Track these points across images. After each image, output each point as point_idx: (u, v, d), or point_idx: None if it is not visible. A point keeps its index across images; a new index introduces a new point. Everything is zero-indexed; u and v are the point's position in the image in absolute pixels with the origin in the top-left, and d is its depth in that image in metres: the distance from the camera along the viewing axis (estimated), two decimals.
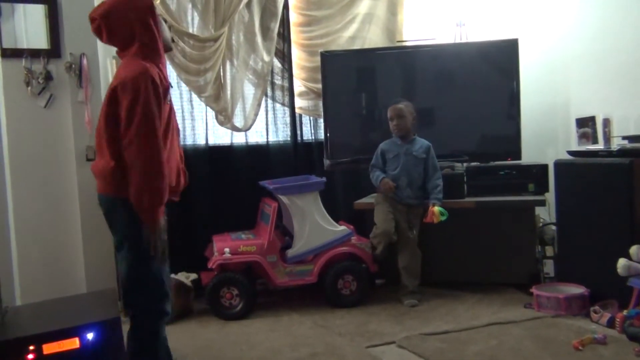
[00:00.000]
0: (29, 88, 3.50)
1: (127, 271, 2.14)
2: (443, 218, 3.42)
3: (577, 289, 3.22)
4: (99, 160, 2.19)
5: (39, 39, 3.54)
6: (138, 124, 1.98)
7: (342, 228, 3.59)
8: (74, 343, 1.96)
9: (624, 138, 3.23)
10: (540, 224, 3.75)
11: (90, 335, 1.98)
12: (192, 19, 3.97)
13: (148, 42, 2.13)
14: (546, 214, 3.80)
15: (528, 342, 2.76)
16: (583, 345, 2.65)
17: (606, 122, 3.44)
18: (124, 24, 2.13)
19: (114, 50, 3.70)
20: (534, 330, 2.92)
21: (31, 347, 1.90)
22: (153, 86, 2.02)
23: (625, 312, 2.81)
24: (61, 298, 2.67)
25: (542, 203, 3.61)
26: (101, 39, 2.23)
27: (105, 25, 2.16)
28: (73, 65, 3.56)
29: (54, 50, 3.55)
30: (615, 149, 3.16)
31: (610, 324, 2.87)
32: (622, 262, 2.82)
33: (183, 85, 3.96)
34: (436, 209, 3.43)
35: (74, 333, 1.97)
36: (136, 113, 1.98)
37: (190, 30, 3.94)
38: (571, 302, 3.14)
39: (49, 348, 1.92)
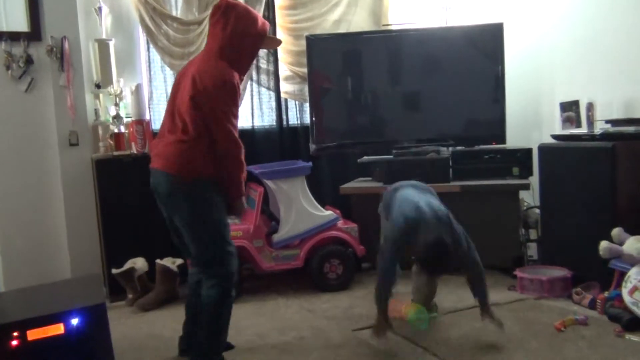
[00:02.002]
0: (9, 72, 3.45)
1: (206, 247, 2.37)
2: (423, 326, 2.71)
3: (559, 272, 3.26)
4: (177, 142, 2.32)
5: (18, 22, 3.48)
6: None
7: (328, 213, 3.60)
8: (58, 329, 1.95)
9: (607, 122, 3.26)
10: (525, 208, 3.78)
11: (75, 321, 1.97)
12: (176, 1, 3.93)
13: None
14: (530, 198, 3.83)
15: (511, 323, 2.79)
16: (565, 327, 2.69)
17: (590, 106, 3.46)
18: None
19: (96, 33, 3.69)
20: (517, 312, 2.96)
21: (15, 333, 1.89)
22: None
23: (606, 294, 2.86)
24: (45, 284, 2.66)
25: (527, 187, 3.64)
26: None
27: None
28: (54, 49, 3.51)
29: (35, 34, 3.50)
30: (598, 133, 3.19)
31: (592, 305, 2.91)
32: (604, 244, 2.86)
33: (167, 69, 3.92)
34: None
35: (59, 319, 1.96)
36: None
37: (174, 13, 3.89)
38: (554, 285, 3.18)
39: (33, 334, 1.91)
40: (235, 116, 2.33)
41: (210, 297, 2.35)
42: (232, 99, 2.29)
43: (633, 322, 2.60)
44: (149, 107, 3.81)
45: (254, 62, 4.13)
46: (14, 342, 1.89)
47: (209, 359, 2.36)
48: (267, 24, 2.46)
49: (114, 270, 3.43)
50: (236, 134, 2.33)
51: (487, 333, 2.68)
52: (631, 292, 2.67)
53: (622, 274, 2.81)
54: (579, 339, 2.56)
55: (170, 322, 3.15)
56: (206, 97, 2.24)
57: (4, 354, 1.86)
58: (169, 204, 2.41)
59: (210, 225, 2.35)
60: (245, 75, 4.06)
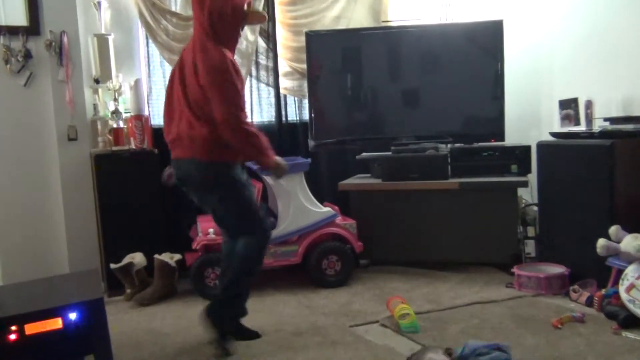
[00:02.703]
0: (8, 66, 3.45)
1: (242, 221, 2.59)
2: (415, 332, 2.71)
3: (557, 269, 3.27)
4: (200, 129, 2.43)
5: (17, 16, 3.48)
6: None
7: (326, 209, 3.60)
8: (56, 323, 1.95)
9: (606, 120, 3.26)
10: (523, 205, 3.79)
11: (73, 316, 1.97)
12: None
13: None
14: (528, 195, 3.84)
15: (509, 320, 2.80)
16: (562, 324, 2.70)
17: (588, 104, 3.47)
18: None
19: (95, 28, 3.69)
20: (514, 309, 2.96)
21: (13, 328, 1.89)
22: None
23: (603, 291, 2.86)
24: (44, 278, 2.66)
25: (525, 184, 3.65)
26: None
27: None
28: (53, 43, 3.50)
29: (33, 28, 3.49)
30: (597, 131, 3.19)
31: (589, 302, 2.92)
32: (601, 242, 2.86)
33: (166, 64, 3.91)
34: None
35: (57, 313, 1.96)
36: None
37: (173, 9, 3.89)
38: (551, 282, 3.19)
39: (31, 328, 1.91)
40: (239, 95, 2.40)
41: (246, 248, 2.57)
42: (229, 80, 2.36)
43: (630, 320, 2.61)
44: (147, 103, 3.81)
45: (254, 58, 4.14)
46: (12, 336, 1.89)
47: (221, 322, 2.53)
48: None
49: (112, 265, 3.44)
50: (242, 113, 2.41)
51: (485, 330, 2.69)
52: (628, 289, 2.67)
53: (619, 272, 2.81)
54: (576, 336, 2.57)
55: (168, 317, 3.15)
56: (207, 86, 2.35)
57: (3, 347, 1.87)
58: (200, 191, 2.59)
59: (242, 202, 2.55)
60: (245, 71, 4.09)
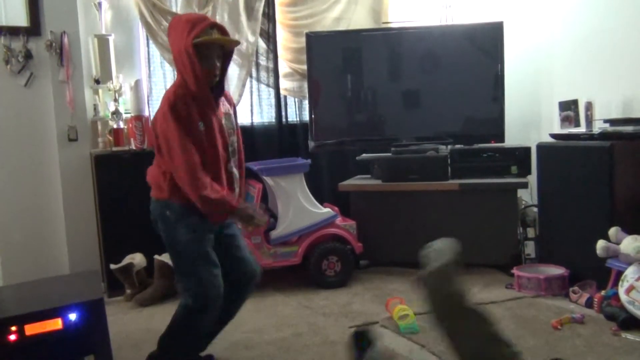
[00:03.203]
0: (8, 66, 3.45)
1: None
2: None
3: (557, 270, 3.27)
4: (154, 165, 2.34)
5: (18, 16, 3.48)
6: None
7: (326, 210, 3.60)
8: (56, 323, 1.95)
9: (606, 121, 3.26)
10: (522, 206, 3.79)
11: (73, 316, 1.97)
12: None
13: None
14: (528, 196, 3.84)
15: (508, 321, 2.80)
16: (562, 325, 2.70)
17: (588, 106, 3.47)
18: None
19: (95, 29, 3.69)
20: (514, 310, 2.97)
21: (13, 328, 1.89)
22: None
23: (603, 293, 2.87)
24: (44, 279, 2.66)
25: (525, 185, 3.65)
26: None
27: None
28: (54, 44, 3.51)
29: (34, 28, 3.49)
30: (597, 132, 3.19)
31: (589, 304, 2.92)
32: (601, 243, 2.86)
33: (167, 65, 3.92)
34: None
35: (57, 314, 1.96)
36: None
37: (174, 10, 3.89)
38: (551, 283, 3.19)
39: (31, 329, 1.91)
40: (182, 144, 2.07)
41: (178, 308, 2.31)
42: (170, 125, 2.07)
43: (629, 321, 2.61)
44: (148, 103, 3.81)
45: (254, 59, 4.14)
46: (12, 337, 1.89)
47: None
48: (203, 24, 2.10)
49: (112, 266, 3.44)
50: (189, 165, 2.08)
51: None
52: (628, 291, 2.67)
53: (619, 273, 2.81)
54: (575, 337, 2.57)
55: (168, 317, 3.13)
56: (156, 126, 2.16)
57: (2, 348, 1.86)
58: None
59: (179, 251, 2.23)
60: (245, 72, 4.09)
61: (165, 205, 2.23)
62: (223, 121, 2.26)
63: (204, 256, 2.21)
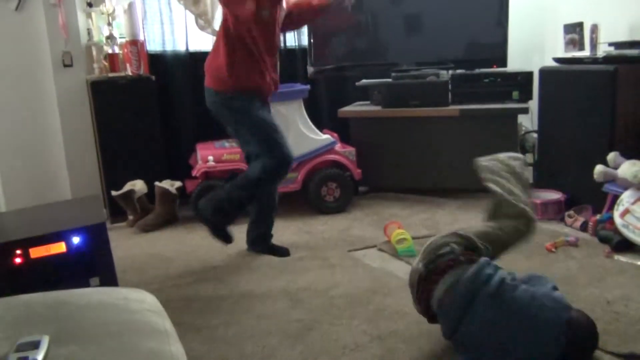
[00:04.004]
0: None
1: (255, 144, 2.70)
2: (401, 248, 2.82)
3: (553, 195, 3.30)
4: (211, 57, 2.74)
5: None
6: None
7: (325, 137, 3.60)
8: (60, 247, 1.99)
9: (611, 45, 3.19)
10: (522, 132, 3.78)
11: (76, 240, 2.01)
12: None
13: None
14: (528, 122, 3.82)
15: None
16: (556, 247, 2.75)
17: (594, 28, 3.38)
18: None
19: None
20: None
21: (18, 251, 1.93)
22: None
23: (598, 217, 2.91)
24: (46, 204, 2.69)
25: (526, 111, 3.62)
26: None
27: None
28: None
29: None
30: (601, 56, 3.13)
31: (584, 227, 2.97)
32: (599, 168, 2.88)
33: None
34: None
35: (60, 237, 2.00)
36: None
37: None
38: (547, 207, 3.23)
39: (35, 252, 1.96)
40: None
41: (255, 170, 2.67)
42: None
43: (622, 244, 2.66)
44: (142, 27, 3.72)
45: None
46: (18, 260, 1.93)
47: (212, 222, 2.75)
48: None
49: (113, 192, 3.47)
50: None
51: None
52: (622, 214, 2.71)
53: (615, 198, 2.84)
54: (569, 259, 2.63)
55: (170, 242, 3.22)
56: None
57: (8, 270, 1.92)
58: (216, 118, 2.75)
59: (253, 127, 2.65)
60: None
61: (228, 98, 2.63)
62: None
63: (276, 127, 2.69)
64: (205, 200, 2.75)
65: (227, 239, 2.82)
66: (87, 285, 2.02)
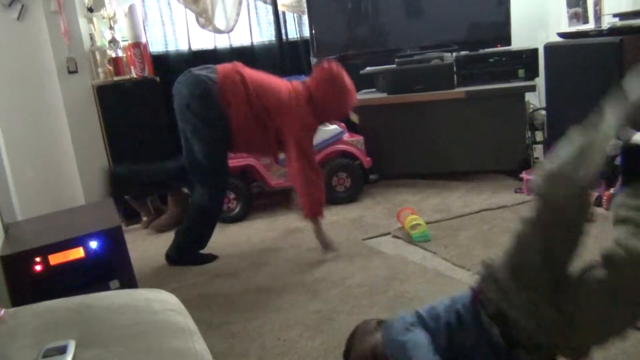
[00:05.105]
0: None
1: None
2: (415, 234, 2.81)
3: None
4: None
5: None
6: None
7: (333, 127, 3.59)
8: (78, 252, 2.01)
9: (615, 15, 3.15)
10: (530, 110, 3.75)
11: (93, 244, 2.03)
12: None
13: None
14: (536, 100, 3.79)
15: (517, 224, 2.84)
16: None
17: (597, 1, 3.35)
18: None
19: None
20: (523, 214, 3.00)
21: (37, 259, 1.95)
22: None
23: (612, 191, 2.89)
24: (61, 211, 2.71)
25: (533, 88, 3.60)
26: None
27: None
28: None
29: None
30: (606, 28, 3.10)
31: (598, 202, 2.95)
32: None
33: None
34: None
35: (78, 243, 2.02)
36: None
37: None
38: None
39: (55, 258, 1.97)
40: None
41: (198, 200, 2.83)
42: None
43: None
44: (144, 29, 3.73)
45: None
46: (38, 267, 1.96)
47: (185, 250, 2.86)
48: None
49: (126, 195, 3.49)
50: None
51: (495, 234, 2.75)
52: None
53: None
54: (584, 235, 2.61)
55: None
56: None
57: (29, 278, 1.94)
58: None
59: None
60: None
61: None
62: None
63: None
64: (172, 248, 2.89)
65: (210, 258, 2.89)
66: (107, 288, 2.04)
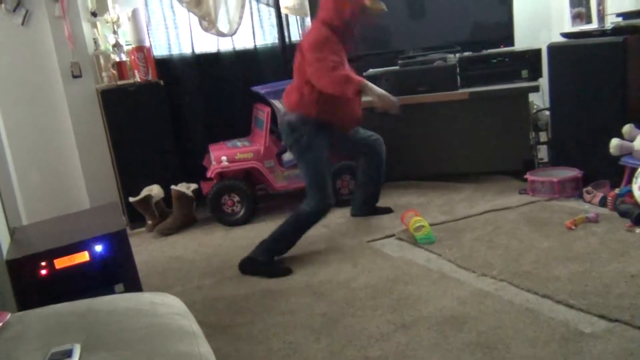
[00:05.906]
0: (3, 5, 3.38)
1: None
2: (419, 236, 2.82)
3: (570, 172, 3.28)
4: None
5: None
6: None
7: None
8: (84, 256, 2.02)
9: (618, 15, 3.15)
10: (534, 110, 3.75)
11: (98, 248, 2.04)
12: None
13: None
14: (540, 100, 3.78)
15: (523, 225, 2.84)
16: (576, 225, 2.73)
17: (600, 0, 3.34)
18: None
19: None
20: (528, 214, 3.00)
21: (43, 263, 1.96)
22: None
23: (617, 191, 2.88)
24: (66, 215, 2.72)
25: (536, 89, 3.59)
26: None
27: None
28: None
29: None
30: (609, 28, 3.09)
31: (603, 203, 2.94)
32: (614, 141, 2.85)
33: None
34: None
35: (83, 247, 2.03)
36: None
37: None
38: (565, 185, 3.20)
39: (60, 262, 1.99)
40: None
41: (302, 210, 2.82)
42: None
43: None
44: (148, 33, 3.73)
45: None
46: (43, 271, 1.97)
47: (269, 255, 2.74)
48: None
49: (131, 199, 3.50)
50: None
51: (500, 235, 2.74)
52: None
53: (633, 171, 2.81)
54: (590, 236, 2.61)
55: (190, 244, 3.25)
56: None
57: (35, 282, 1.95)
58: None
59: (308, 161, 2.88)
60: None
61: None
62: None
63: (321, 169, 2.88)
64: (255, 252, 2.75)
65: (285, 271, 2.68)
66: (112, 292, 2.04)
